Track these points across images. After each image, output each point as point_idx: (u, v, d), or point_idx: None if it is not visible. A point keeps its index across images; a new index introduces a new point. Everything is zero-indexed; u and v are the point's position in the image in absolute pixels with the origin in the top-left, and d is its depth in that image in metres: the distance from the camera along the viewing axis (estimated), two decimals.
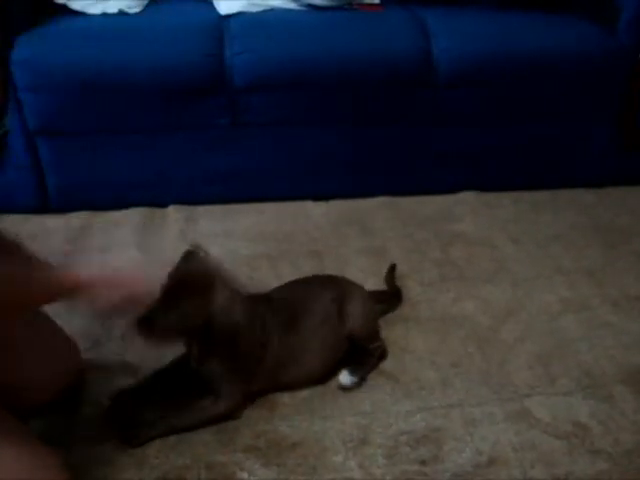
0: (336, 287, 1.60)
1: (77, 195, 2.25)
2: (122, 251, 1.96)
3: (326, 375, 1.57)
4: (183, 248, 2.02)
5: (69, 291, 1.17)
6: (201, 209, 2.24)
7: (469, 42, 2.20)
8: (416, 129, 2.28)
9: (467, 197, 2.36)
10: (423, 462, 1.37)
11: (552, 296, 1.89)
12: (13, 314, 1.19)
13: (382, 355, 1.63)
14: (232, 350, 1.40)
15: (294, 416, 1.47)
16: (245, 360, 1.44)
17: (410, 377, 1.59)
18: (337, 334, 1.55)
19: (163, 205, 2.27)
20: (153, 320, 1.28)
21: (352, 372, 1.56)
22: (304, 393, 1.53)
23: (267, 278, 1.66)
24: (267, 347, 1.46)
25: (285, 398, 1.52)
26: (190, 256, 1.37)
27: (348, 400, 1.52)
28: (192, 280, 1.33)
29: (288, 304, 1.54)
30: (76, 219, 2.21)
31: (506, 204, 2.35)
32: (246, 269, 1.93)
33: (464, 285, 1.91)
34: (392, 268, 1.87)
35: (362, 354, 1.60)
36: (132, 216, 2.22)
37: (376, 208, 2.28)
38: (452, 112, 2.25)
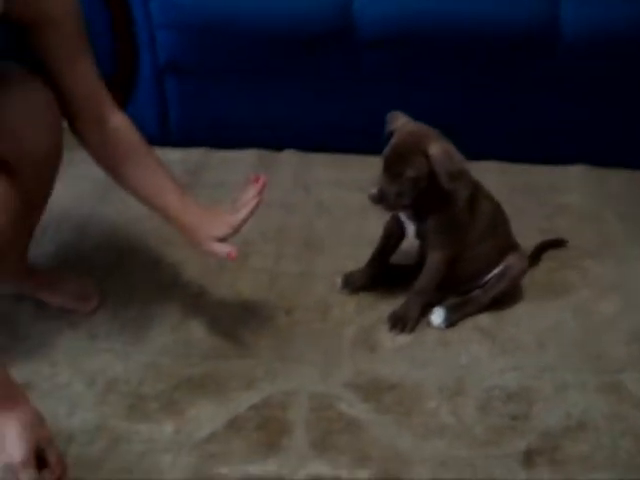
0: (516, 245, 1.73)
1: (197, 131, 2.36)
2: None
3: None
4: (295, 192, 2.13)
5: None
6: (315, 156, 2.29)
7: (598, 7, 2.14)
8: (533, 96, 2.26)
9: (577, 170, 2.33)
10: (514, 417, 1.43)
11: None
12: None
13: (482, 308, 1.69)
14: (448, 208, 1.56)
15: (394, 360, 1.55)
16: (456, 220, 1.59)
17: (506, 336, 1.64)
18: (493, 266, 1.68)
19: (279, 148, 2.34)
20: (384, 191, 1.47)
21: (446, 313, 1.64)
22: (406, 339, 1.61)
23: (377, 229, 1.72)
24: (475, 217, 1.61)
25: (387, 342, 1.60)
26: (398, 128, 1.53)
27: (446, 352, 1.59)
28: (407, 143, 1.48)
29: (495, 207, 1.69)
30: (194, 154, 2.32)
31: (617, 181, 2.31)
32: (356, 218, 2.00)
33: (567, 255, 1.92)
34: (556, 242, 1.94)
35: (465, 298, 1.69)
36: (248, 156, 2.31)
37: (483, 172, 2.26)
38: (576, 81, 2.22)
